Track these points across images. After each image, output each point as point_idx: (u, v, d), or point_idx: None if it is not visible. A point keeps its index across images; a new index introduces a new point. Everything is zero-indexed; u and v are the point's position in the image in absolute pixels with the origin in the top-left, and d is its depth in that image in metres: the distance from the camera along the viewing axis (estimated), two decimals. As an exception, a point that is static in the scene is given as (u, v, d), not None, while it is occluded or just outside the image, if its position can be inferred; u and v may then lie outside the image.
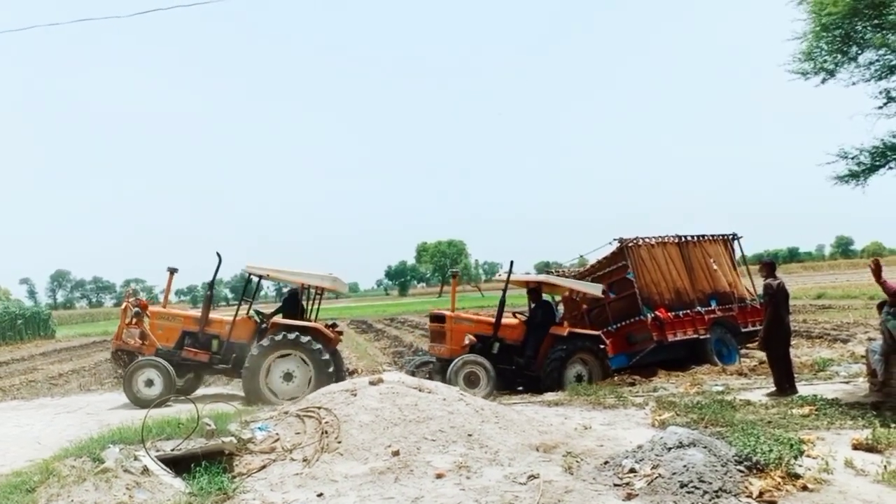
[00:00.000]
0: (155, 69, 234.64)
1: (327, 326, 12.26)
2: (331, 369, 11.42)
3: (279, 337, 11.47)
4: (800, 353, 14.49)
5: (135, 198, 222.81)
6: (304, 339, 11.44)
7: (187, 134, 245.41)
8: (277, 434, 7.10)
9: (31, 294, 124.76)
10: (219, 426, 6.93)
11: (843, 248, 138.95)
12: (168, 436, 6.84)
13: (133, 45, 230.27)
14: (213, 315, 12.71)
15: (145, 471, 5.91)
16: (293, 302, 12.69)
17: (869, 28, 9.64)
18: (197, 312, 12.95)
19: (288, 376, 11.47)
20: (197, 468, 6.16)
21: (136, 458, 6.09)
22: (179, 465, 6.31)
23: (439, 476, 5.93)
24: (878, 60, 10.02)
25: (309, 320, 12.43)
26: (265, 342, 11.55)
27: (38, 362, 22.92)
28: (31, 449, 8.19)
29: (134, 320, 12.42)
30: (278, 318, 12.33)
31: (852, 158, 10.49)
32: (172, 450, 6.49)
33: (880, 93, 10.39)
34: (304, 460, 6.48)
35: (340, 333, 12.83)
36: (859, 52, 10.05)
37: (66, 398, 13.68)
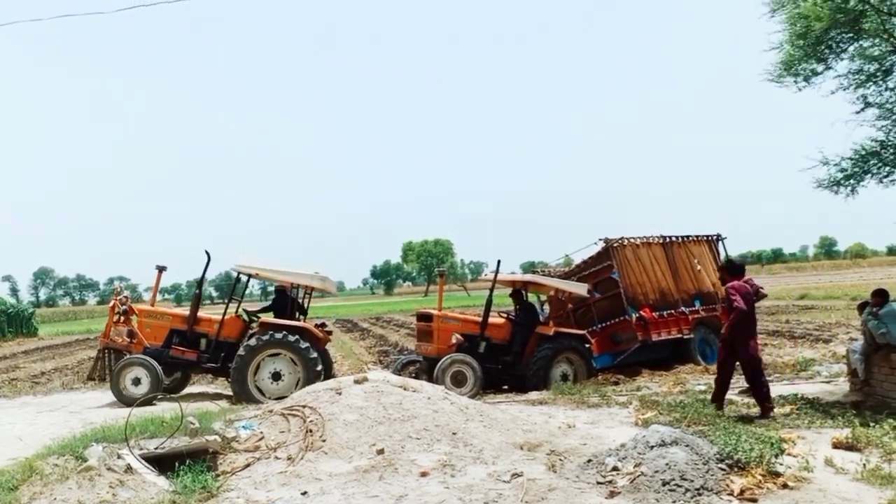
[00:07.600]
0: (139, 66, 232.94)
1: (316, 326, 12.23)
2: (319, 368, 11.38)
3: (267, 336, 11.43)
4: (782, 352, 14.67)
5: (119, 195, 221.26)
6: (293, 338, 11.39)
7: (172, 133, 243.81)
8: (262, 433, 7.09)
9: (14, 292, 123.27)
10: (203, 425, 6.91)
11: (827, 249, 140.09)
12: (152, 434, 6.80)
13: (117, 40, 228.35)
14: (201, 314, 12.65)
15: (129, 469, 5.89)
16: (282, 301, 12.66)
17: (845, 37, 9.74)
18: (185, 311, 12.87)
19: (276, 376, 11.43)
20: (181, 467, 6.15)
21: (119, 457, 6.07)
22: (163, 463, 6.29)
23: (424, 474, 5.95)
24: (859, 71, 10.13)
25: (299, 319, 12.39)
26: (253, 341, 11.51)
27: (20, 360, 22.68)
28: (13, 447, 8.12)
29: (122, 318, 12.34)
30: (267, 318, 12.28)
31: (835, 165, 10.59)
32: (156, 448, 6.47)
33: (857, 99, 10.54)
34: (289, 459, 6.48)
35: (329, 333, 12.80)
36: (836, 60, 10.16)
37: (49, 396, 13.58)
